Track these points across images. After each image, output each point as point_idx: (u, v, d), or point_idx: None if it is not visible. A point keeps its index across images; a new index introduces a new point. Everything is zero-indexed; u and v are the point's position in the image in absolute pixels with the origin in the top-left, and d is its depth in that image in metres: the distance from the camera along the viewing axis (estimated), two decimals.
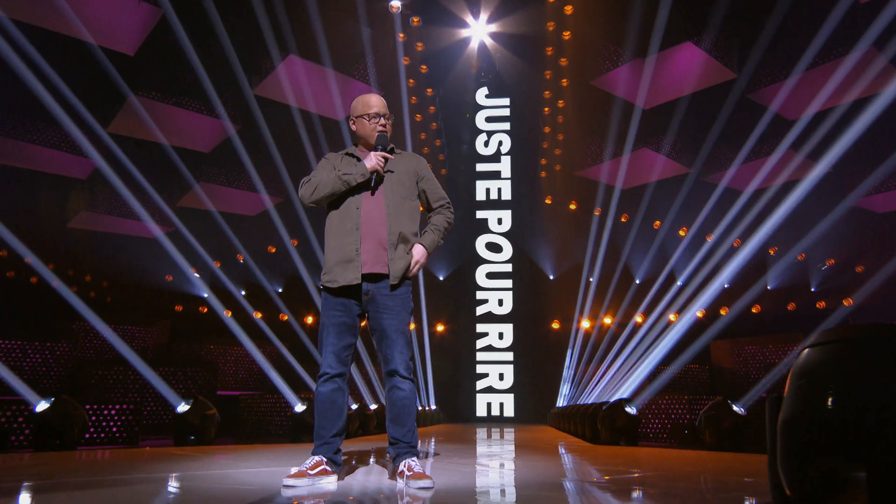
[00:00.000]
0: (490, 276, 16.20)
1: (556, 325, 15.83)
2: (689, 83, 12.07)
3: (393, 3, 13.11)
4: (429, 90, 15.71)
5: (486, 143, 16.78)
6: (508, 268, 16.19)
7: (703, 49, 11.50)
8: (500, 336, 15.89)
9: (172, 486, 2.98)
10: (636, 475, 3.61)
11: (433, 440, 6.71)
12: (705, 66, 11.76)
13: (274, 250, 13.48)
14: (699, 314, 11.77)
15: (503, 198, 16.52)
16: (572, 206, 16.05)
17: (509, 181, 16.56)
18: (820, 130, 9.78)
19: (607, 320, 14.22)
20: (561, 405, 13.48)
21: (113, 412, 6.18)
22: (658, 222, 13.88)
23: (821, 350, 1.55)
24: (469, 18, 14.77)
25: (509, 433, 9.22)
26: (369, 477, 3.29)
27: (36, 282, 10.39)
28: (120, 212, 11.82)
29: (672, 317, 12.07)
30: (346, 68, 12.19)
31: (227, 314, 9.80)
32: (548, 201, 16.54)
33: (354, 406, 7.76)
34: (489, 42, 15.61)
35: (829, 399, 1.46)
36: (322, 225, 3.16)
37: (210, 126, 11.92)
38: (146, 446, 5.87)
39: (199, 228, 11.03)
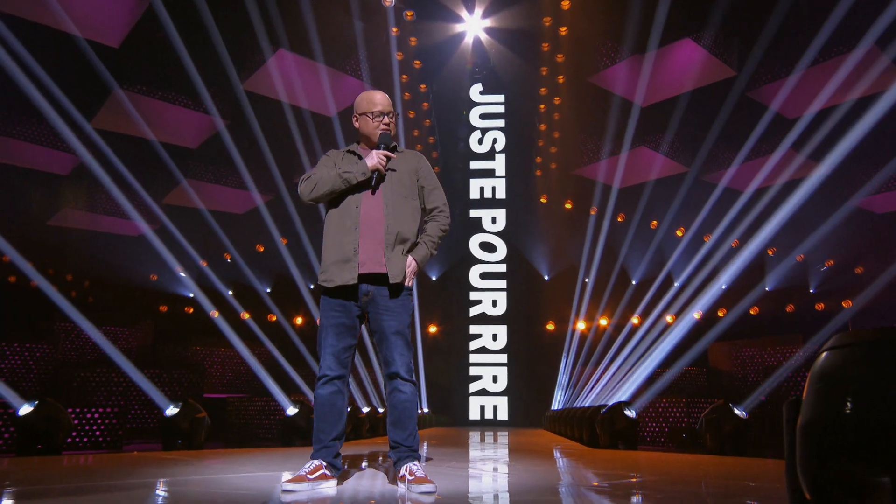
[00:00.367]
0: (484, 276, 15.98)
1: (551, 327, 15.65)
2: (688, 80, 11.93)
3: None
4: (422, 86, 15.47)
5: (481, 141, 16.55)
6: (503, 268, 15.97)
7: (702, 46, 11.36)
8: (494, 337, 15.68)
9: (164, 491, 2.89)
10: (636, 479, 3.57)
11: (426, 444, 6.62)
12: (705, 63, 11.62)
13: (262, 249, 13.23)
14: (696, 315, 11.60)
15: (497, 196, 16.30)
16: (568, 205, 15.87)
17: (504, 179, 16.34)
18: (821, 130, 9.66)
19: (603, 322, 14.05)
20: (556, 408, 13.29)
21: (96, 415, 6.09)
22: (655, 222, 13.71)
23: (842, 352, 1.53)
24: (464, 13, 14.54)
25: (503, 437, 9.13)
26: (369, 481, 3.25)
27: (14, 281, 10.11)
28: (103, 209, 11.57)
29: (669, 319, 11.90)
30: (339, 63, 11.95)
31: (214, 314, 9.55)
32: (543, 200, 16.36)
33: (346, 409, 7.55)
34: (484, 37, 15.39)
35: (851, 402, 1.44)
36: (315, 224, 2.97)
37: (198, 121, 11.68)
38: (133, 450, 5.76)
39: (186, 226, 10.81)
